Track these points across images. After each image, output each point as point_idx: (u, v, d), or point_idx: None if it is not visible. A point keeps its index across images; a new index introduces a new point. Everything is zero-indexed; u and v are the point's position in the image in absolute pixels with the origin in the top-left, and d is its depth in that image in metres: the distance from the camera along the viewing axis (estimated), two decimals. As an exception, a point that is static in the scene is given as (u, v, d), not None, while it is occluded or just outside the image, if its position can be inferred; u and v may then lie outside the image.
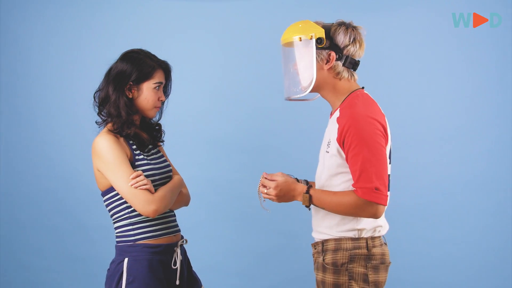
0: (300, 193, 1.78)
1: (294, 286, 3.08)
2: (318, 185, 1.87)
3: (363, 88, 1.85)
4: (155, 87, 1.89)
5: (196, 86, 3.20)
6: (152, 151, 1.98)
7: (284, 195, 1.79)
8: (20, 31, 3.23)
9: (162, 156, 2.02)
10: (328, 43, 1.77)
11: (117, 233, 1.89)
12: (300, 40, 1.78)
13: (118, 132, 1.85)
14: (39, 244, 3.23)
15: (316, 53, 1.77)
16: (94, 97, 1.92)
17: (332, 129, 1.78)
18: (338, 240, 1.78)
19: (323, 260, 1.79)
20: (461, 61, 3.14)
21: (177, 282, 1.89)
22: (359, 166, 1.66)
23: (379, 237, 1.80)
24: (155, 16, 3.24)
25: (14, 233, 3.25)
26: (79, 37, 3.23)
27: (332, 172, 1.78)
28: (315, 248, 1.86)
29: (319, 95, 1.90)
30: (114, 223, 1.90)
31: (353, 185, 1.70)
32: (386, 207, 1.71)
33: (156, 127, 2.04)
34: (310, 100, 1.99)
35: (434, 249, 3.15)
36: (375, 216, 1.69)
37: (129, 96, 1.88)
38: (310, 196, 1.76)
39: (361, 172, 1.66)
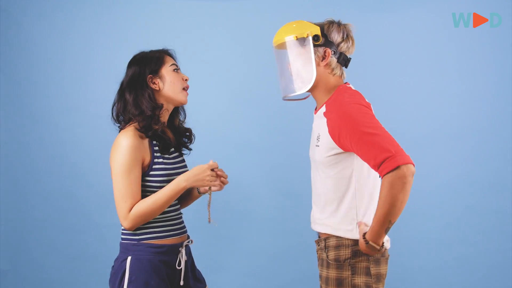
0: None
1: (304, 285, 3.08)
2: (313, 182, 1.88)
3: (346, 83, 1.88)
4: (173, 69, 1.88)
5: (207, 85, 3.20)
6: (174, 155, 1.93)
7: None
8: (35, 31, 3.26)
9: (183, 161, 1.98)
10: (323, 40, 1.81)
11: (122, 229, 1.87)
12: (296, 39, 1.82)
13: (145, 130, 1.80)
14: (53, 243, 3.26)
15: (313, 50, 1.80)
16: (112, 113, 1.89)
17: (320, 124, 1.80)
18: (339, 237, 1.79)
19: (327, 256, 1.80)
20: (461, 61, 3.14)
21: (181, 283, 1.87)
22: (366, 150, 1.62)
23: None
24: (168, 16, 3.25)
25: (28, 232, 3.28)
26: (93, 37, 3.25)
27: (325, 164, 1.78)
28: (318, 245, 1.88)
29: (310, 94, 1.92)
30: None
31: (374, 169, 1.64)
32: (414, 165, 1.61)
33: (187, 133, 2.01)
34: (303, 99, 2.02)
35: (444, 250, 3.16)
36: (412, 174, 1.59)
37: (155, 89, 1.85)
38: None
39: (371, 154, 1.61)
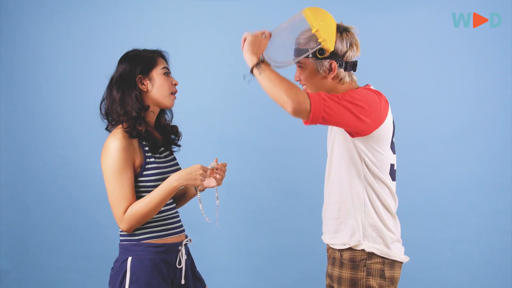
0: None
1: (306, 285, 3.08)
2: (331, 180, 1.87)
3: (367, 85, 1.86)
4: (163, 73, 1.87)
5: (207, 85, 3.21)
6: (165, 153, 1.94)
7: (251, 46, 1.79)
8: (33, 30, 3.27)
9: (174, 159, 1.98)
10: (328, 53, 1.75)
11: (120, 231, 1.87)
12: (312, 36, 1.72)
13: (129, 131, 1.80)
14: (54, 243, 3.28)
15: (318, 64, 1.76)
16: (100, 110, 1.89)
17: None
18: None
19: (341, 256, 1.80)
20: (461, 61, 3.14)
21: (182, 282, 1.88)
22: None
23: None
24: (166, 16, 3.26)
25: (29, 232, 3.30)
26: (91, 36, 3.26)
27: (348, 158, 1.78)
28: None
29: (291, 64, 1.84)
30: None
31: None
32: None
33: (173, 130, 2.00)
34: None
35: (446, 249, 3.16)
36: (294, 107, 1.63)
37: (143, 90, 1.85)
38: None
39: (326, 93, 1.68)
